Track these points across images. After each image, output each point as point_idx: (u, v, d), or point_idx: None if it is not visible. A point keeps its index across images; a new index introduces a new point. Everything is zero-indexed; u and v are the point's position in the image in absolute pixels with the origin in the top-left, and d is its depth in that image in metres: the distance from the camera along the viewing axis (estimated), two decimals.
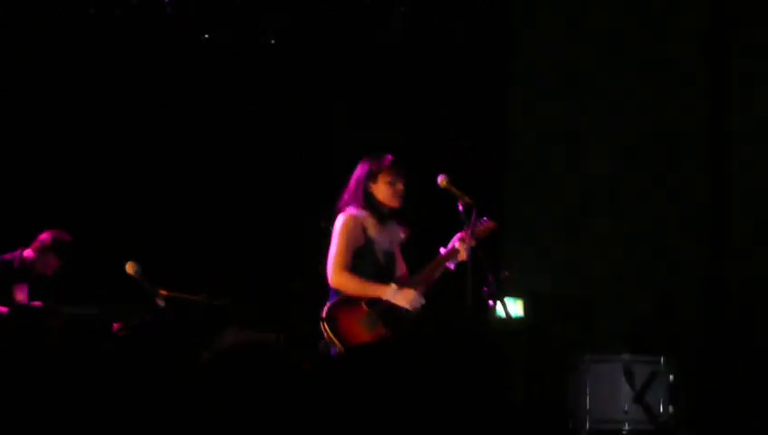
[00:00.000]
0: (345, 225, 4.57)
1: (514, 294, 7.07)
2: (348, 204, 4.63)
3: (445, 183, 4.51)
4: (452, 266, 4.60)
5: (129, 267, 5.26)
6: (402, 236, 4.70)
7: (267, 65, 7.32)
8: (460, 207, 4.48)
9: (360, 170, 4.67)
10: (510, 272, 5.85)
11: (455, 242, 4.58)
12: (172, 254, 6.78)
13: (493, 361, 4.75)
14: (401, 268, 4.73)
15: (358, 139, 6.75)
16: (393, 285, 4.48)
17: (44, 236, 5.94)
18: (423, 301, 4.48)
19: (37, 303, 5.75)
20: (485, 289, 4.42)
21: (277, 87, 7.29)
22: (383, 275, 4.56)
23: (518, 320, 7.11)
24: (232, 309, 5.46)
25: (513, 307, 7.07)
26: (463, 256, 4.52)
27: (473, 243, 4.50)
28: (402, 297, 4.44)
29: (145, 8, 7.01)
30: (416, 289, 4.50)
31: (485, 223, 4.66)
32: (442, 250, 4.60)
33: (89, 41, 6.94)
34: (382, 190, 4.60)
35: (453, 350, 4.30)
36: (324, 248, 4.74)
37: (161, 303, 5.24)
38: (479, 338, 4.66)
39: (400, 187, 4.61)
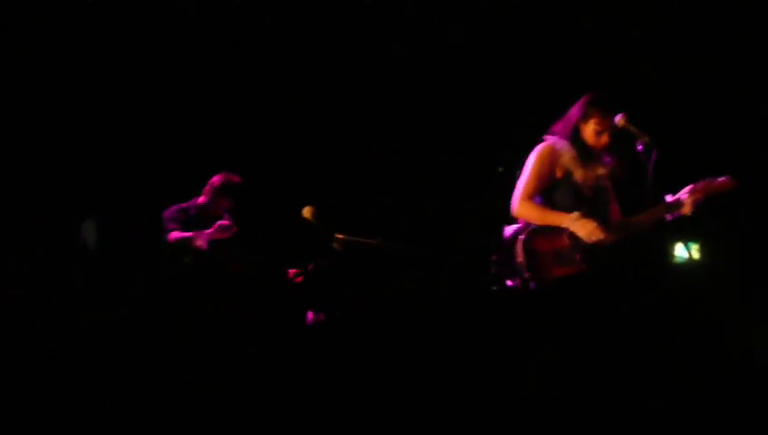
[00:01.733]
0: (539, 154, 4.45)
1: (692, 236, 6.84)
2: (553, 133, 4.51)
3: (623, 122, 4.37)
4: (669, 217, 4.40)
5: (307, 212, 5.32)
6: (605, 171, 4.51)
7: None
8: (639, 147, 4.32)
9: (572, 110, 4.53)
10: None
11: (683, 193, 4.40)
12: (348, 198, 6.79)
13: (674, 303, 4.61)
14: (613, 209, 4.55)
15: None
16: (574, 214, 4.30)
17: (214, 179, 5.98)
18: (602, 235, 4.25)
19: (212, 247, 5.82)
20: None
21: None
22: (585, 208, 4.36)
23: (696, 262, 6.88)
24: (407, 253, 5.47)
25: (690, 250, 6.84)
26: (687, 209, 4.35)
27: (701, 198, 4.35)
28: (581, 227, 4.25)
29: None
30: (614, 228, 4.34)
31: (723, 181, 4.44)
32: (668, 198, 4.41)
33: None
34: (589, 133, 4.46)
35: (642, 291, 4.19)
36: (500, 192, 4.66)
37: (337, 247, 5.28)
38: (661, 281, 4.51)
39: (605, 139, 4.46)
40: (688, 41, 6.71)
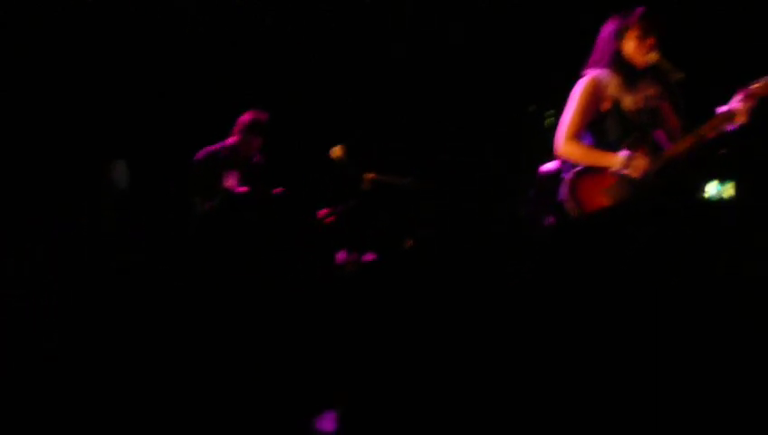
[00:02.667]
0: (582, 90, 4.27)
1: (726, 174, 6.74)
2: (591, 66, 4.32)
3: (655, 56, 4.22)
4: (731, 128, 4.10)
5: (336, 151, 5.30)
6: (655, 91, 4.29)
7: None
8: (671, 83, 4.22)
9: (606, 29, 4.33)
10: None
11: (734, 102, 4.12)
12: (378, 137, 6.76)
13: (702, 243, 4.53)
14: (672, 123, 4.32)
15: None
16: (622, 155, 4.14)
17: (243, 118, 5.98)
18: (651, 168, 4.10)
19: (244, 188, 5.84)
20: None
21: None
22: (636, 135, 4.21)
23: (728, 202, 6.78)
24: (438, 193, 5.45)
25: (723, 189, 6.74)
26: (743, 118, 4.07)
27: (755, 103, 4.08)
28: (632, 167, 4.11)
29: None
30: (658, 158, 4.14)
31: None
32: (719, 110, 4.14)
33: None
34: (631, 47, 4.24)
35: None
36: (532, 133, 4.59)
37: (367, 186, 5.27)
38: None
39: (652, 40, 4.22)
40: None
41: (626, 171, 4.12)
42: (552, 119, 5.94)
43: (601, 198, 4.15)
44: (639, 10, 4.27)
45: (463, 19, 7.00)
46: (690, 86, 4.18)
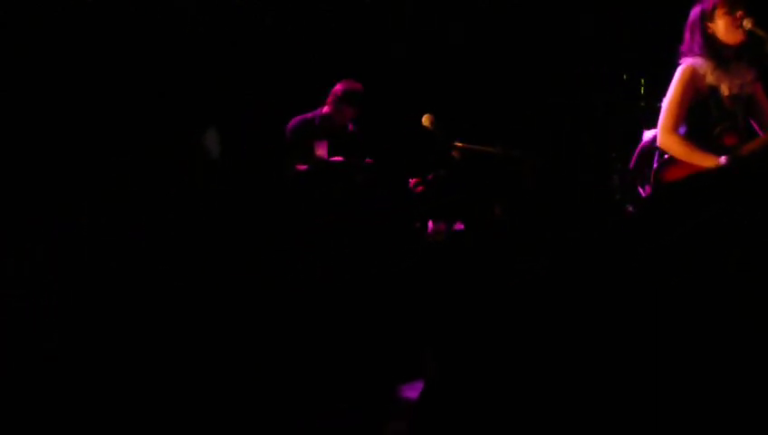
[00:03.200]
0: (680, 79, 4.24)
1: None
2: (685, 54, 4.28)
3: (750, 24, 4.16)
4: None
5: (426, 120, 5.33)
6: (752, 77, 4.25)
7: None
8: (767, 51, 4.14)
9: (692, 14, 4.28)
10: None
11: None
12: (468, 106, 6.77)
13: None
14: (764, 113, 4.31)
15: None
16: (721, 159, 4.07)
17: (337, 88, 6.04)
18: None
19: (338, 158, 5.92)
20: None
21: None
22: (729, 123, 4.19)
23: None
24: (525, 161, 5.44)
25: None
26: None
27: None
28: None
29: None
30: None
31: None
32: None
33: None
34: (721, 27, 4.19)
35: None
36: (625, 105, 4.56)
37: (457, 155, 5.29)
38: None
39: (741, 12, 4.14)
40: None
41: None
42: (644, 87, 5.90)
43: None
44: None
45: None
46: None
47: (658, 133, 4.26)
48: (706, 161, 4.10)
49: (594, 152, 6.49)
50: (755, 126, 4.29)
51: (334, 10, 6.97)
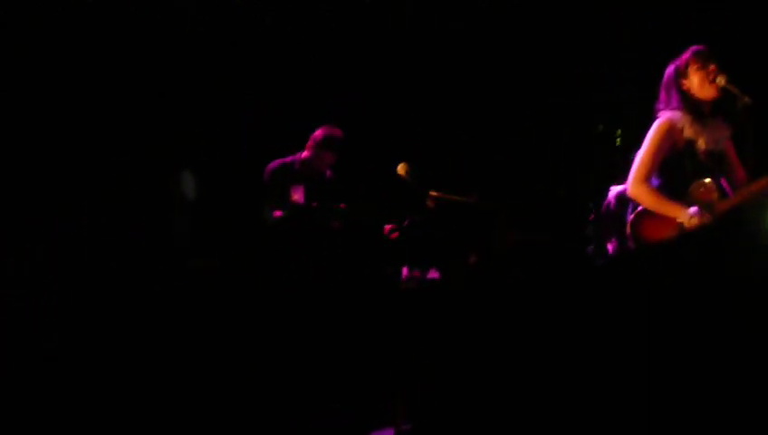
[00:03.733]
0: (657, 131, 4.31)
1: None
2: (663, 109, 4.36)
3: (723, 81, 4.23)
4: None
5: (401, 168, 5.36)
6: (728, 132, 4.34)
7: None
8: (740, 109, 4.19)
9: (667, 73, 4.39)
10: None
11: None
12: (443, 156, 6.81)
13: None
14: (737, 171, 4.39)
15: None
16: (691, 210, 4.15)
17: (317, 133, 6.05)
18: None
19: (314, 203, 5.92)
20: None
21: None
22: (704, 177, 4.26)
23: None
24: (501, 211, 5.47)
25: None
26: None
27: None
28: (695, 222, 4.13)
29: None
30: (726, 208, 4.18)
31: None
32: None
33: None
34: (695, 82, 4.30)
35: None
36: (599, 155, 4.60)
37: (431, 204, 5.32)
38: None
39: (713, 67, 4.26)
40: None
41: (689, 227, 4.15)
42: (620, 139, 5.96)
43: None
44: (693, 47, 4.33)
45: (527, 43, 7.02)
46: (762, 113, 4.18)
47: (629, 183, 4.31)
48: (676, 212, 4.18)
49: (570, 202, 6.53)
50: (725, 182, 4.35)
51: (309, 59, 7.02)
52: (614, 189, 4.56)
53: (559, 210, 6.53)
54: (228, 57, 6.85)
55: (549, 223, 6.25)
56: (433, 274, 5.57)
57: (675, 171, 4.30)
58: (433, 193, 5.26)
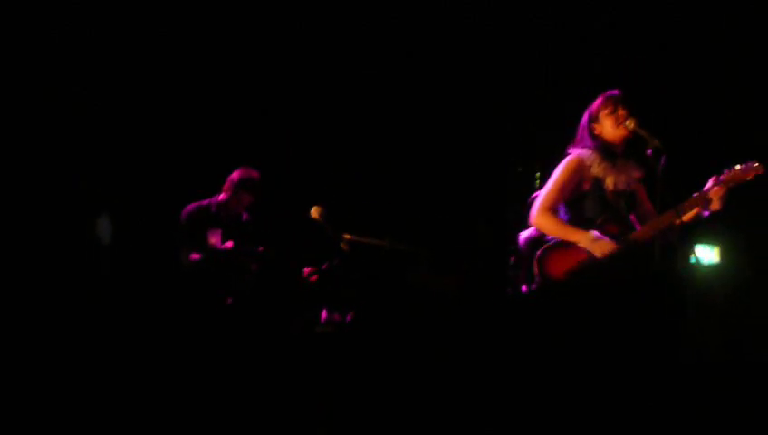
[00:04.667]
0: (565, 165, 4.41)
1: (711, 240, 6.75)
2: (576, 144, 4.46)
3: (633, 125, 4.32)
4: (705, 214, 4.28)
5: (315, 211, 5.36)
6: (638, 174, 4.43)
7: None
8: (649, 152, 4.28)
9: (583, 119, 4.48)
10: None
11: (708, 187, 4.29)
12: (357, 199, 6.81)
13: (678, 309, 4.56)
14: (645, 208, 4.48)
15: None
16: (592, 234, 4.26)
17: (234, 175, 6.04)
18: (614, 252, 4.22)
19: (229, 244, 5.88)
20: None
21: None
22: (611, 214, 4.34)
23: (712, 267, 6.77)
24: (415, 254, 5.48)
25: (708, 254, 6.74)
26: (716, 205, 4.24)
27: (727, 190, 4.25)
28: (598, 248, 4.23)
29: None
30: (624, 240, 4.26)
31: (749, 167, 4.29)
32: (695, 194, 4.30)
33: None
34: (606, 126, 4.40)
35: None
36: (518, 194, 4.65)
37: (345, 247, 5.31)
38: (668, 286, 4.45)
39: (622, 111, 4.36)
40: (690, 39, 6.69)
41: (591, 250, 4.22)
42: (540, 181, 6.01)
43: (565, 276, 4.26)
44: (606, 92, 4.45)
45: (446, 78, 7.08)
46: (670, 158, 4.25)
47: (533, 213, 4.40)
48: (579, 237, 4.26)
49: (489, 244, 6.56)
50: (634, 221, 4.44)
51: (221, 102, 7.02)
52: (524, 234, 4.62)
53: (479, 253, 6.56)
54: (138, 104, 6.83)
55: (469, 266, 6.27)
56: (351, 316, 5.55)
57: (581, 208, 4.39)
58: (347, 236, 5.26)
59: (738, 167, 4.28)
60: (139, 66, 6.73)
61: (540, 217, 4.36)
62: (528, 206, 4.55)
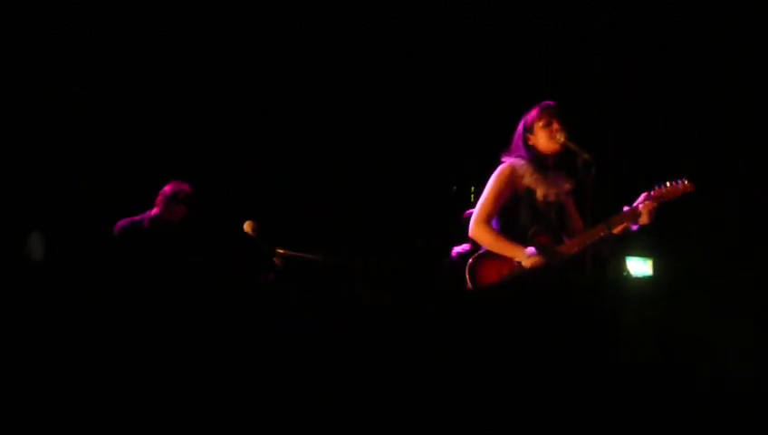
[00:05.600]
0: (498, 175, 4.47)
1: (644, 253, 6.81)
2: (510, 154, 4.51)
3: (563, 139, 4.37)
4: (634, 228, 4.36)
5: (247, 226, 5.33)
6: (568, 187, 4.49)
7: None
8: (580, 164, 4.34)
9: (518, 128, 4.54)
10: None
11: (638, 202, 4.35)
12: (289, 213, 6.79)
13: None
14: (574, 221, 4.54)
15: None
16: (528, 250, 4.31)
17: (166, 189, 6.04)
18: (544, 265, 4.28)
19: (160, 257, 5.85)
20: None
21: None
22: (542, 225, 4.41)
23: (645, 280, 6.83)
24: (349, 268, 5.46)
25: (642, 266, 6.80)
26: (645, 219, 4.32)
27: (657, 205, 4.32)
28: (531, 262, 4.28)
29: None
30: (561, 252, 4.32)
31: (680, 185, 4.38)
32: (625, 208, 4.37)
33: None
34: (540, 138, 4.45)
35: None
36: (452, 211, 4.67)
37: (278, 261, 5.28)
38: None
39: (556, 125, 4.41)
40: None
41: (523, 262, 4.25)
42: (475, 196, 6.04)
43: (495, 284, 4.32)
44: (541, 103, 4.52)
45: (380, 102, 7.11)
46: (601, 172, 4.29)
47: (471, 224, 4.45)
48: (515, 252, 4.32)
49: (427, 261, 6.56)
50: (563, 232, 4.51)
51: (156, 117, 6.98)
52: (456, 248, 4.65)
53: (413, 269, 6.57)
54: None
55: (403, 281, 6.27)
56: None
57: (513, 216, 4.45)
58: (279, 250, 5.23)
59: (669, 184, 4.36)
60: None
61: (477, 230, 4.40)
62: (463, 220, 4.58)
